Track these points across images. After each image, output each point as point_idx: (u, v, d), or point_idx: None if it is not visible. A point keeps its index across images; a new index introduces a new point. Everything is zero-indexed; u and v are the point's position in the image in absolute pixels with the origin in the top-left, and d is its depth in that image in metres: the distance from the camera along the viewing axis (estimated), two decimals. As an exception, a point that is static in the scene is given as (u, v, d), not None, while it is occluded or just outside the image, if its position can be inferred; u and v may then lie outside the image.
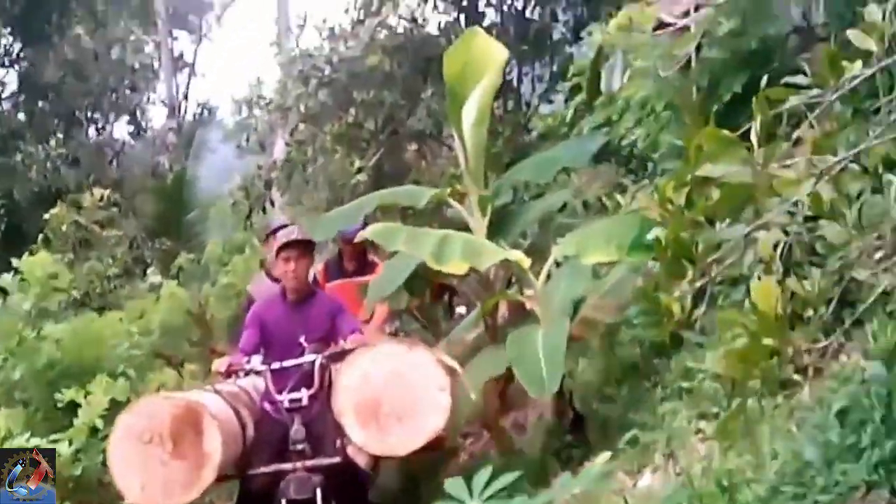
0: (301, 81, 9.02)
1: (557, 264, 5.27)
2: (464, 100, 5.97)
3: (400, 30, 9.88)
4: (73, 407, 5.62)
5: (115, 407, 5.47)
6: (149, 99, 17.76)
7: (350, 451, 4.99)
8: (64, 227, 9.91)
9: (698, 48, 4.19)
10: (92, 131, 16.26)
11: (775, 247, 2.95)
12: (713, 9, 2.84)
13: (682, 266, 3.10)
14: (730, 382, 3.97)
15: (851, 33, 2.28)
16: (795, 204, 2.61)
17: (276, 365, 5.08)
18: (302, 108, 9.20)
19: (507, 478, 2.77)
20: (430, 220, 7.69)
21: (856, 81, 2.20)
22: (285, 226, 6.38)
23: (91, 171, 13.60)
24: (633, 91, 5.60)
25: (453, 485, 2.80)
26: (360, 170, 8.93)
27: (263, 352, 5.30)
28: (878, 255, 3.67)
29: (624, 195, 6.26)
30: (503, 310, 5.97)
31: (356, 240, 5.89)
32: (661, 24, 3.75)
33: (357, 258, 6.69)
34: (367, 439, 4.63)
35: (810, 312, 3.74)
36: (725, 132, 2.53)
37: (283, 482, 4.80)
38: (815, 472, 3.04)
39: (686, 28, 3.39)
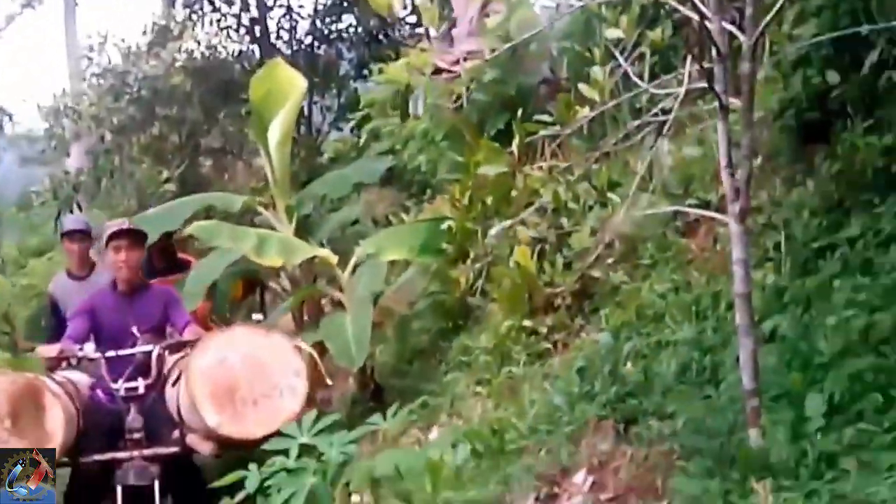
0: (112, 96, 9.42)
1: (355, 266, 6.08)
2: (268, 122, 6.66)
3: (197, 55, 10.58)
4: None
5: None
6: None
7: (191, 439, 4.98)
8: None
9: (468, 91, 5.18)
10: None
11: (534, 240, 3.94)
12: (480, 61, 3.61)
13: (465, 249, 4.04)
14: (499, 356, 4.97)
15: (582, 86, 3.25)
16: (544, 209, 3.57)
17: (111, 353, 5.04)
18: (114, 121, 9.59)
19: (329, 418, 3.55)
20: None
21: (584, 120, 3.15)
22: (80, 231, 6.43)
23: None
24: (415, 124, 6.54)
25: (287, 426, 3.54)
26: (167, 179, 9.40)
27: (94, 342, 5.24)
28: (610, 259, 4.80)
29: (407, 214, 7.25)
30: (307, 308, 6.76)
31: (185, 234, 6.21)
32: (437, 70, 4.61)
33: (166, 256, 6.78)
34: (222, 422, 4.50)
35: (559, 301, 4.82)
36: (496, 145, 3.46)
37: (121, 470, 4.76)
38: (562, 413, 4.02)
39: (458, 74, 4.19)
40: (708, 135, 4.47)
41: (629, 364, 3.99)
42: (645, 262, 4.53)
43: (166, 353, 5.05)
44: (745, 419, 2.93)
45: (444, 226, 3.90)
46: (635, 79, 3.07)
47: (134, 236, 5.32)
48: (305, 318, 6.76)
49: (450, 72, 3.73)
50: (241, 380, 4.49)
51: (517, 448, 3.96)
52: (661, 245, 4.49)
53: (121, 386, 4.90)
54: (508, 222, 3.60)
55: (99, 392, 5.05)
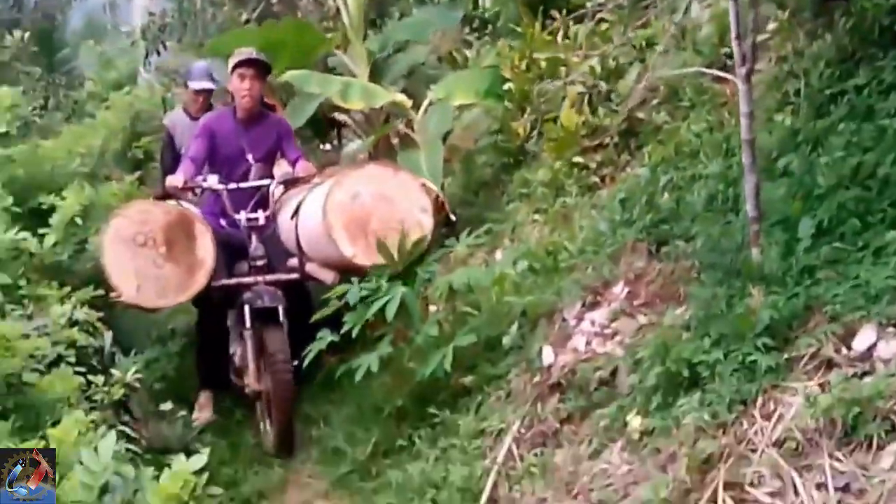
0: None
1: (426, 108, 6.74)
2: None
3: None
4: (41, 214, 6.49)
5: (86, 209, 6.20)
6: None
7: (311, 268, 5.34)
8: None
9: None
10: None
11: (581, 94, 4.56)
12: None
13: (522, 107, 4.70)
14: (554, 188, 5.67)
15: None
16: (592, 70, 4.17)
17: (232, 185, 5.32)
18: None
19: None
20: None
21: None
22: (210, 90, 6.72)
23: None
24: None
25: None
26: (247, 21, 10.01)
27: (209, 164, 5.45)
28: (654, 101, 5.39)
29: (470, 50, 7.81)
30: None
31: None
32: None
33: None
34: (357, 253, 4.84)
35: (608, 140, 5.47)
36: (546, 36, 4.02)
37: (251, 293, 5.07)
38: (606, 237, 4.76)
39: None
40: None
41: (665, 195, 4.67)
42: (685, 104, 5.13)
43: (282, 186, 5.42)
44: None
45: (505, 87, 4.57)
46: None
47: (259, 66, 5.49)
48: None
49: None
50: (372, 214, 4.84)
51: (567, 266, 4.73)
52: (699, 90, 5.06)
53: (243, 216, 5.25)
54: (560, 83, 4.25)
55: (222, 221, 5.39)
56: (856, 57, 4.27)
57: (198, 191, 5.42)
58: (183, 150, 6.18)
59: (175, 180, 5.28)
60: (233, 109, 5.57)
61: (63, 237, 6.11)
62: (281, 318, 4.95)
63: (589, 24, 4.63)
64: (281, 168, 5.60)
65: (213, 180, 5.31)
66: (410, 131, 6.54)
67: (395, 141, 7.43)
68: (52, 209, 6.32)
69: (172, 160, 6.39)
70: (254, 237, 5.19)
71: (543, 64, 4.22)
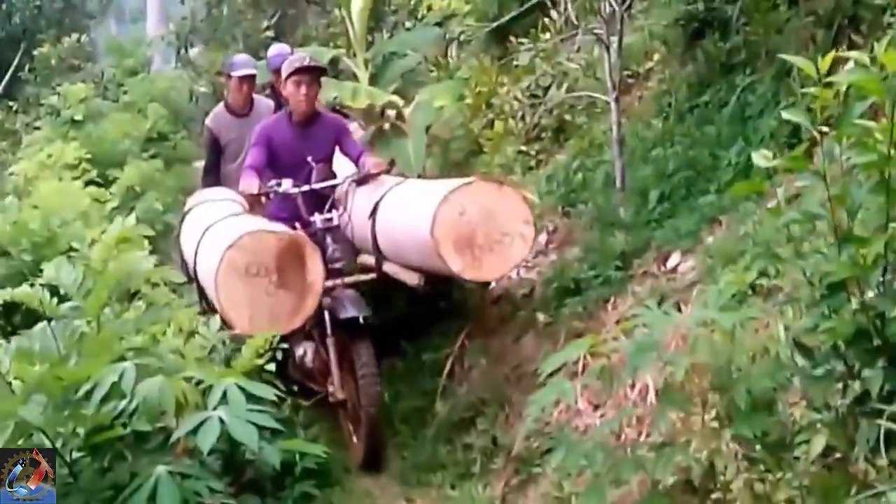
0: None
1: (414, 105, 8.66)
2: None
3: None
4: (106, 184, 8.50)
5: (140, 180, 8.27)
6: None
7: (390, 268, 5.39)
8: (53, 62, 12.57)
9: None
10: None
11: (521, 104, 6.65)
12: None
13: (481, 106, 6.72)
14: (507, 168, 7.67)
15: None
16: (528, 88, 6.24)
17: (306, 188, 5.39)
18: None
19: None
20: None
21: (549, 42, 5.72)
22: (252, 76, 6.92)
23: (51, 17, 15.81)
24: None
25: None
26: (267, 28, 11.98)
27: (270, 170, 5.52)
28: (578, 107, 7.40)
29: (452, 59, 9.79)
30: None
31: None
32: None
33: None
34: (463, 267, 4.80)
35: (545, 134, 7.47)
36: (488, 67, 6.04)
37: (331, 299, 4.99)
38: (536, 203, 6.78)
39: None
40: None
41: (578, 174, 6.65)
42: (597, 110, 7.11)
43: (355, 185, 5.52)
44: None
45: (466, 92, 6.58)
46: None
47: (314, 71, 5.60)
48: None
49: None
50: (477, 229, 4.82)
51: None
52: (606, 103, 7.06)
53: (318, 218, 5.26)
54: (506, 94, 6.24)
55: (297, 225, 5.29)
56: (706, 82, 6.26)
57: (272, 196, 5.46)
58: (227, 148, 6.74)
59: (250, 186, 5.37)
60: (288, 114, 5.72)
61: (122, 201, 8.16)
62: (366, 327, 4.95)
63: (531, 53, 6.63)
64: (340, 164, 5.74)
65: (287, 184, 5.38)
66: (401, 123, 8.48)
67: (387, 128, 9.38)
68: (115, 180, 8.39)
69: (215, 160, 6.86)
70: (329, 239, 5.20)
71: (493, 85, 6.26)
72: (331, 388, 5.13)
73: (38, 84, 11.85)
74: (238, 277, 4.60)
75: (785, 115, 2.54)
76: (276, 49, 7.62)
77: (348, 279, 5.22)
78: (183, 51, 12.77)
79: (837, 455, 2.30)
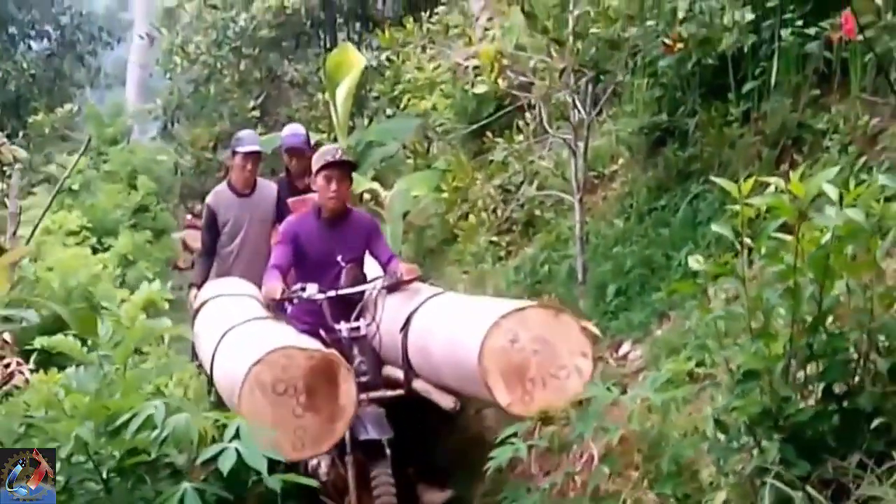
0: (214, 43, 12.55)
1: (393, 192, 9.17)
2: (337, 83, 9.86)
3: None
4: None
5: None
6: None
7: (421, 386, 4.93)
8: (46, 130, 13.09)
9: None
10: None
11: (493, 199, 7.19)
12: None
13: (457, 199, 7.23)
14: (478, 258, 8.14)
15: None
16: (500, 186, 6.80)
17: (331, 293, 4.99)
18: (213, 60, 12.73)
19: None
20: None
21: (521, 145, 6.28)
22: (258, 153, 6.78)
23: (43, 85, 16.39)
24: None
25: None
26: (254, 108, 12.53)
27: (295, 270, 5.23)
28: (548, 204, 7.93)
29: (428, 148, 10.35)
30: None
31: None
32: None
33: (305, 175, 6.49)
34: (513, 403, 4.29)
35: (515, 227, 7.97)
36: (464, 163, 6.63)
37: (355, 418, 4.50)
38: (504, 292, 7.22)
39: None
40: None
41: (544, 266, 7.12)
42: (564, 207, 7.62)
43: (385, 292, 5.08)
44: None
45: (444, 186, 7.10)
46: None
47: (345, 166, 5.33)
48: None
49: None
50: (530, 360, 4.30)
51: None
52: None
53: (344, 327, 4.89)
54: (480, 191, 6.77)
55: (322, 333, 4.93)
56: (664, 187, 6.78)
57: (296, 301, 5.08)
58: (226, 228, 6.56)
59: (273, 291, 5.06)
60: (316, 210, 5.41)
61: (115, 266, 8.60)
62: (387, 451, 4.62)
63: (505, 151, 7.18)
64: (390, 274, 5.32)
65: (312, 289, 5.02)
66: (380, 209, 8.97)
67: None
68: (109, 247, 8.85)
69: (212, 239, 6.68)
70: (356, 349, 4.86)
71: (469, 180, 6.81)
72: None
73: (31, 151, 12.31)
74: (263, 393, 4.25)
75: (714, 227, 2.99)
76: (290, 129, 7.54)
77: (373, 394, 4.84)
78: (169, 125, 13.31)
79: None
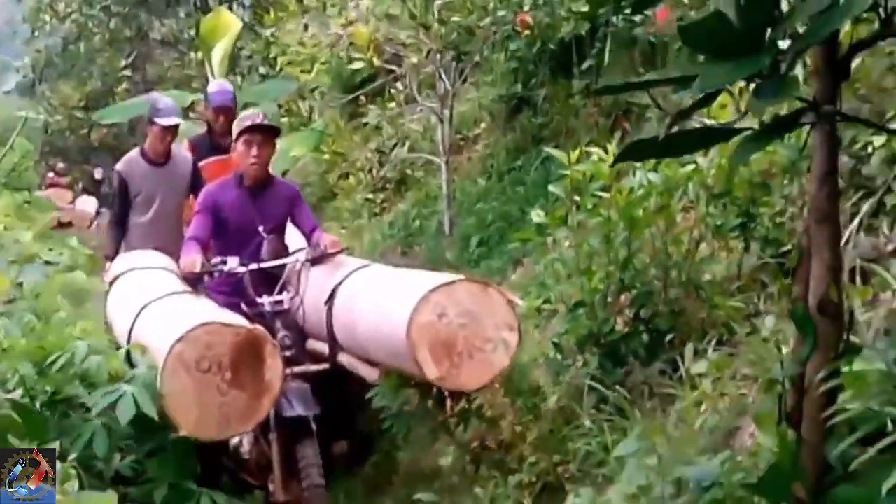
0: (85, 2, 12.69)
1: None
2: (212, 46, 10.33)
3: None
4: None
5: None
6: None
7: (346, 360, 4.90)
8: None
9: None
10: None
11: (369, 160, 7.89)
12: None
13: (338, 160, 7.92)
14: (355, 213, 8.84)
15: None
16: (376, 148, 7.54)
17: (253, 266, 4.82)
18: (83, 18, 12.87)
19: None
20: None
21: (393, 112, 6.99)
22: (177, 126, 6.25)
23: None
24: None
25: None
26: (125, 66, 12.77)
27: (214, 241, 5.00)
28: (419, 164, 8.67)
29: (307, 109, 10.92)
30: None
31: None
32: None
33: (230, 131, 5.50)
34: (440, 375, 4.28)
35: (389, 185, 8.70)
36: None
37: (280, 397, 4.35)
38: (379, 243, 7.95)
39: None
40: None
41: (416, 221, 7.88)
42: (433, 167, 8.38)
43: (309, 265, 4.90)
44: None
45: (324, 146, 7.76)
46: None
47: (268, 131, 5.08)
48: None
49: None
50: (458, 334, 4.30)
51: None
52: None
53: (267, 301, 4.74)
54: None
55: (244, 307, 4.75)
56: (521, 149, 7.60)
57: (216, 275, 4.89)
58: (138, 198, 6.22)
59: (192, 264, 4.83)
60: (237, 177, 5.12)
61: None
62: (314, 427, 4.48)
63: (379, 116, 7.92)
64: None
65: (233, 263, 4.83)
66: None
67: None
68: None
69: (124, 210, 6.32)
70: (279, 323, 4.71)
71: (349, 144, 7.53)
72: (271, 487, 4.60)
73: None
74: (187, 372, 4.10)
75: (550, 187, 3.80)
76: (217, 86, 7.18)
77: (297, 369, 4.67)
78: (38, 83, 13.41)
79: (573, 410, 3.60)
